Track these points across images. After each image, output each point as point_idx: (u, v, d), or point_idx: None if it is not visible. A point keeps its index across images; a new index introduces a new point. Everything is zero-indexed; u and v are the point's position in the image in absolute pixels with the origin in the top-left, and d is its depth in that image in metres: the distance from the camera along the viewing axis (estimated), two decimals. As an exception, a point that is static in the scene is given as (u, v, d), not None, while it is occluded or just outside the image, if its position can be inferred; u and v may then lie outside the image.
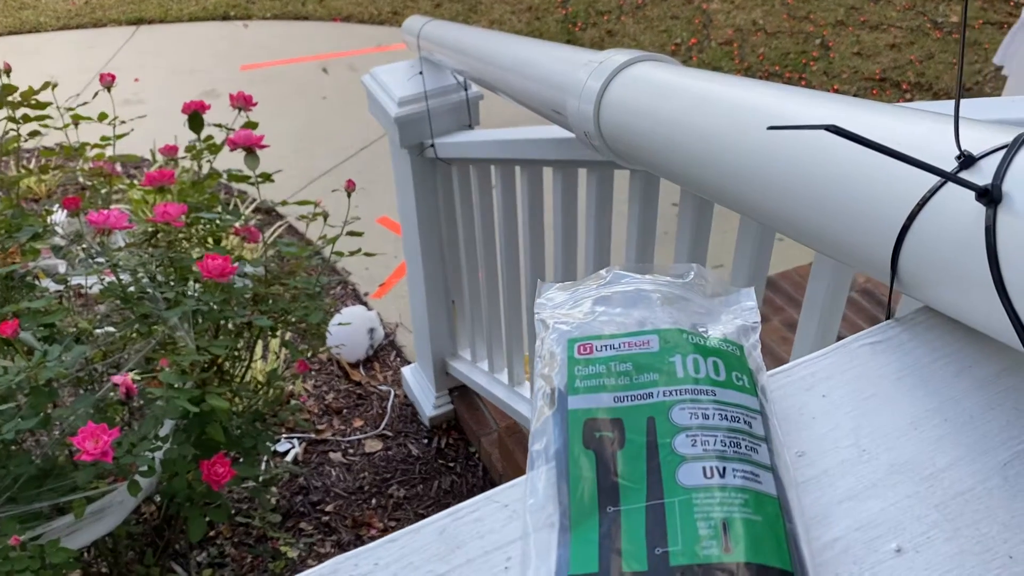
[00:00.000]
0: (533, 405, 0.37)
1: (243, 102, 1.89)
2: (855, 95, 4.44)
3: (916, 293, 0.41)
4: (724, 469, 0.32)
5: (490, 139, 1.72)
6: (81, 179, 1.85)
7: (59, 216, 2.20)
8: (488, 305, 2.12)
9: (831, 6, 5.25)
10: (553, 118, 0.96)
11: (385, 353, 2.87)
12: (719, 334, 0.39)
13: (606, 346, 0.38)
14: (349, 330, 2.71)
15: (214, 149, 1.85)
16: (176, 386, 1.45)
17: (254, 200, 3.44)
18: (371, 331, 2.79)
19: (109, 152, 1.96)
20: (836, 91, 4.46)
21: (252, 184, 1.81)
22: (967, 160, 0.37)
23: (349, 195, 1.70)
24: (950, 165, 0.37)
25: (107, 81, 1.79)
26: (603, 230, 1.41)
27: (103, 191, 1.83)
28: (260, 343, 2.44)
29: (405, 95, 1.92)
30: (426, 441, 2.49)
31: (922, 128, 0.42)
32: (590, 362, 0.37)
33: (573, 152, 1.35)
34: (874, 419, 0.38)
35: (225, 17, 5.28)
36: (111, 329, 1.73)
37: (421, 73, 1.91)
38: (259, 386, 1.97)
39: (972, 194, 0.35)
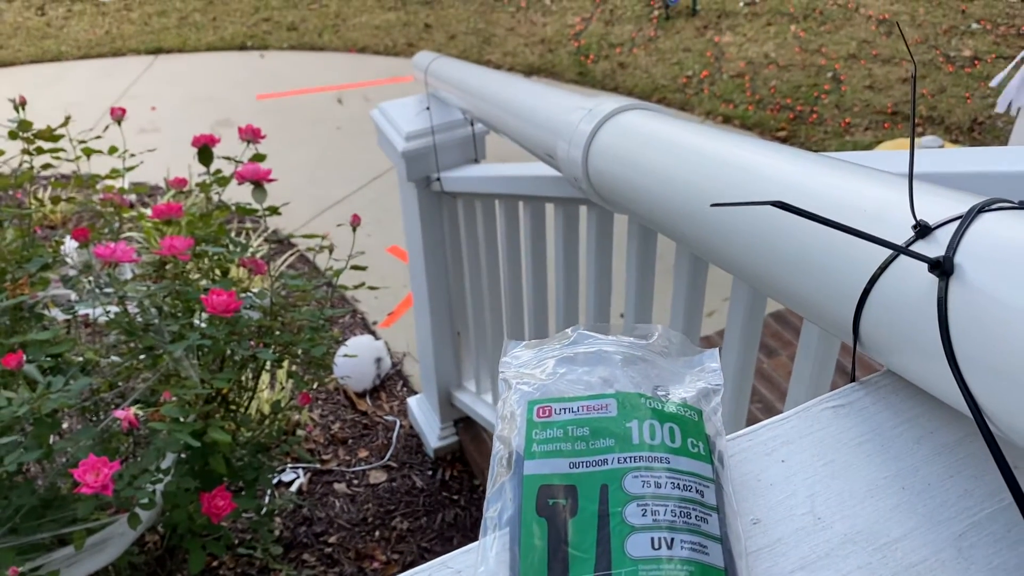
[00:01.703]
0: (491, 468, 0.38)
1: (252, 135, 1.91)
2: (867, 128, 4.45)
3: (879, 358, 0.41)
4: (672, 540, 0.32)
5: (494, 175, 1.74)
6: (98, 207, 1.88)
7: (70, 245, 2.23)
8: (492, 337, 2.12)
9: (843, 39, 5.27)
10: (547, 161, 0.97)
11: (392, 383, 2.87)
12: (679, 398, 0.39)
13: (565, 409, 0.38)
14: (356, 360, 2.72)
15: (223, 182, 1.88)
16: (179, 419, 1.46)
17: (266, 229, 3.47)
18: (378, 361, 2.80)
19: (122, 183, 1.99)
20: (848, 124, 4.47)
21: (259, 217, 1.83)
22: (923, 230, 0.37)
23: (354, 229, 1.71)
24: (907, 234, 0.38)
25: (117, 115, 1.82)
26: (603, 267, 1.41)
27: (114, 222, 1.86)
28: (267, 374, 2.45)
29: (412, 130, 1.94)
30: (430, 473, 2.49)
31: (885, 193, 0.42)
32: (548, 425, 0.37)
33: (573, 190, 1.36)
34: (831, 486, 0.38)
35: (242, 47, 5.37)
36: (117, 359, 1.75)
37: (428, 109, 1.94)
38: (263, 417, 1.98)
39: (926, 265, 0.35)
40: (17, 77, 5.17)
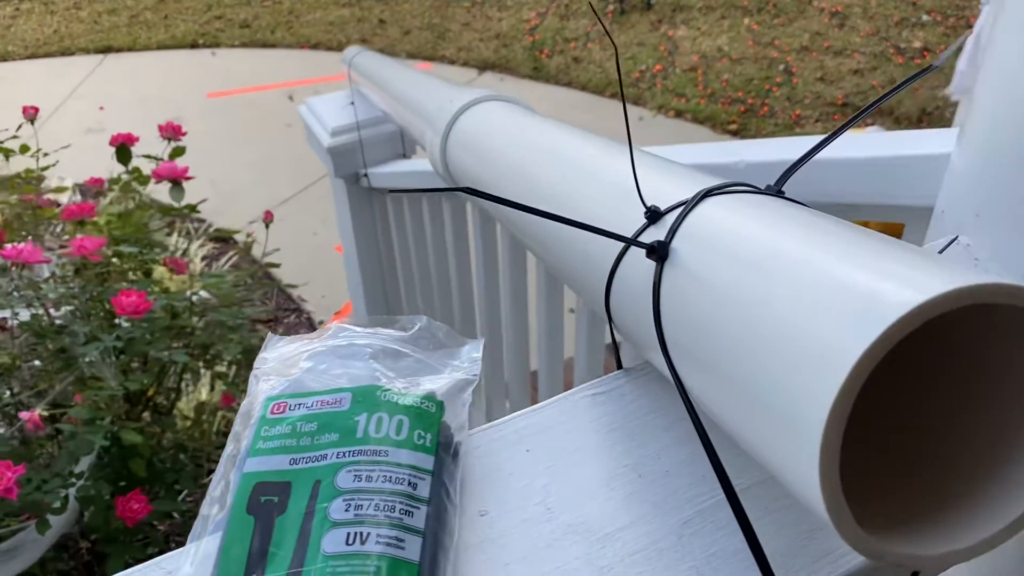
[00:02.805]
0: (219, 466, 0.37)
1: (172, 132, 1.89)
2: (817, 120, 4.49)
3: (632, 346, 0.41)
4: (368, 535, 0.32)
5: (412, 170, 1.73)
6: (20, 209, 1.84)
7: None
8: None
9: (796, 32, 5.31)
10: (423, 146, 0.96)
11: (337, 382, 2.85)
12: (426, 390, 0.38)
13: (299, 405, 0.37)
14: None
15: (142, 181, 1.85)
16: (93, 421, 1.44)
17: (209, 227, 3.43)
18: (322, 360, 2.78)
19: (67, 183, 1.95)
20: (798, 116, 4.51)
21: (179, 216, 1.80)
22: (653, 215, 0.37)
23: (267, 226, 1.69)
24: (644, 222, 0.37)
25: (30, 114, 1.78)
26: (519, 265, 1.41)
27: (38, 224, 1.83)
28: (206, 375, 2.42)
29: (338, 125, 1.93)
30: (372, 471, 2.47)
31: (652, 181, 0.41)
32: (278, 422, 0.37)
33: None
34: (572, 475, 0.37)
35: (194, 45, 5.30)
36: (38, 363, 1.72)
37: (352, 104, 1.92)
38: (186, 419, 1.95)
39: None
40: (-39, 77, 5.07)
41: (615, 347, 0.40)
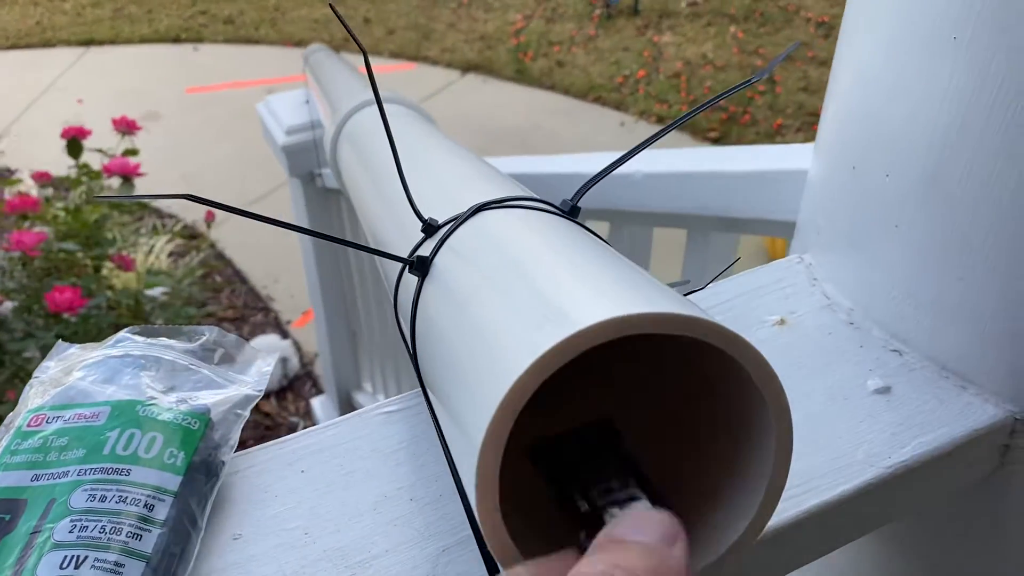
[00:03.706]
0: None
1: (126, 127, 1.87)
2: (798, 130, 4.48)
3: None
4: (84, 559, 0.30)
5: (366, 171, 1.71)
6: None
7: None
8: (385, 336, 2.09)
9: (782, 41, 5.31)
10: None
11: (300, 383, 2.83)
12: (192, 407, 0.37)
13: (57, 418, 0.36)
14: (259, 359, 2.67)
15: (93, 176, 1.83)
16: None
17: (177, 223, 3.41)
18: (284, 361, 2.76)
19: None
20: (780, 125, 4.51)
21: (125, 211, 1.78)
22: (428, 229, 0.35)
23: (209, 227, 1.67)
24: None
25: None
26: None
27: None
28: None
29: (293, 124, 1.91)
30: (330, 473, 2.45)
31: (455, 195, 0.40)
32: (31, 435, 0.35)
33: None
34: (339, 497, 0.36)
35: (176, 40, 5.28)
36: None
37: (308, 102, 1.90)
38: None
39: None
40: (-60, 67, 5.04)
41: (414, 363, 0.38)
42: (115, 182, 1.80)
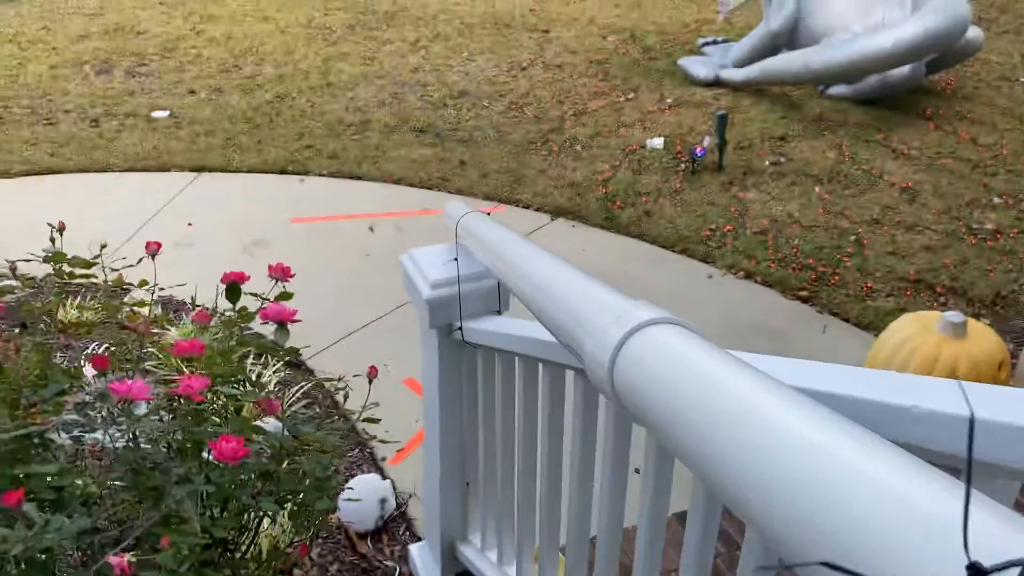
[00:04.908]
0: None
1: (281, 273, 1.94)
2: (888, 295, 4.46)
3: None
4: None
5: (514, 333, 1.74)
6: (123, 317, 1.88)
7: (89, 370, 2.23)
8: (502, 494, 2.07)
9: (867, 204, 5.38)
10: (569, 349, 0.97)
11: (395, 525, 2.79)
12: None
13: None
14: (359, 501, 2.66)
15: (247, 319, 1.89)
16: (179, 568, 1.42)
17: (283, 354, 3.48)
18: (382, 502, 2.74)
19: (153, 301, 2.01)
20: (870, 289, 4.49)
21: (280, 357, 1.83)
22: (976, 573, 0.35)
23: (370, 381, 1.71)
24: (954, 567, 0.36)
25: (152, 249, 1.86)
26: (621, 447, 1.39)
27: (136, 350, 1.87)
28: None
29: (438, 278, 1.97)
30: (426, 628, 2.38)
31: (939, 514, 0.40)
32: None
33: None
34: None
35: (283, 171, 5.57)
36: (120, 484, 1.72)
37: (456, 259, 1.97)
38: (260, 561, 1.92)
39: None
40: (66, 183, 5.37)
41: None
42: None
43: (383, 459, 3.12)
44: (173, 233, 4.69)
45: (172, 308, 3.96)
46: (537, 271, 1.20)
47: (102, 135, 6.10)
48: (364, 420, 1.73)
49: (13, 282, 1.99)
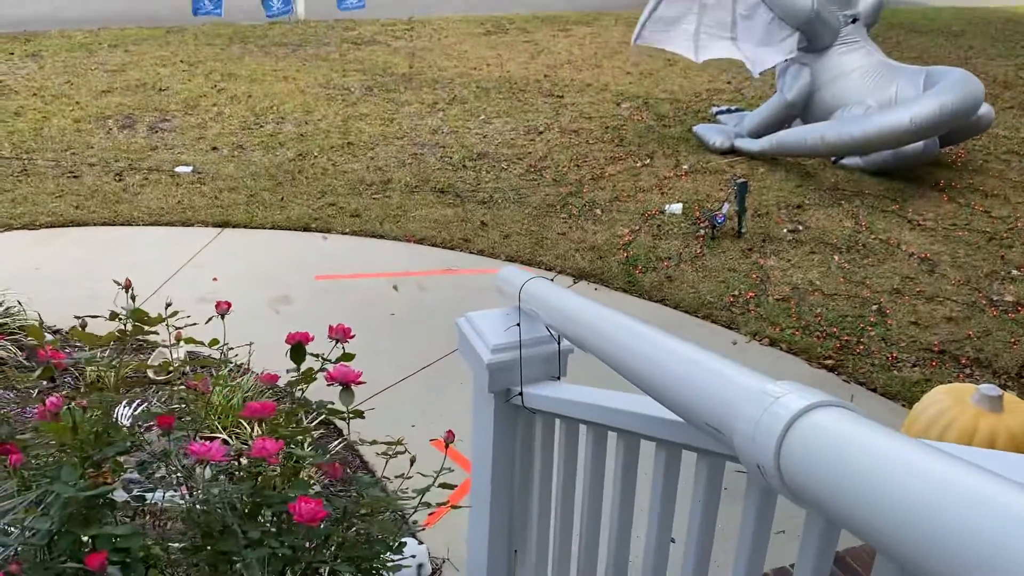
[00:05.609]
0: None
1: (341, 334, 1.94)
2: (914, 365, 4.45)
3: None
4: None
5: (586, 401, 1.73)
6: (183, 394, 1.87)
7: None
8: (556, 564, 2.03)
9: (887, 274, 5.41)
10: (703, 428, 0.96)
11: (430, 592, 2.73)
12: None
13: None
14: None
15: (310, 380, 1.88)
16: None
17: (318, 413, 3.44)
18: (419, 567, 2.68)
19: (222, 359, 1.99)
20: (895, 359, 4.48)
21: (343, 419, 1.82)
22: None
23: (448, 445, 1.69)
24: None
25: (222, 309, 1.85)
26: (708, 522, 1.36)
27: (199, 413, 1.86)
28: None
29: (499, 343, 1.97)
30: None
31: None
32: None
33: (685, 436, 1.34)
34: None
35: (306, 228, 5.60)
36: (180, 545, 1.69)
37: (519, 325, 1.97)
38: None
39: None
40: (89, 237, 5.39)
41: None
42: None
43: (415, 523, 3.06)
44: (198, 288, 4.69)
45: (199, 364, 3.94)
46: (645, 344, 1.20)
47: (126, 189, 6.15)
48: (441, 485, 1.69)
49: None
